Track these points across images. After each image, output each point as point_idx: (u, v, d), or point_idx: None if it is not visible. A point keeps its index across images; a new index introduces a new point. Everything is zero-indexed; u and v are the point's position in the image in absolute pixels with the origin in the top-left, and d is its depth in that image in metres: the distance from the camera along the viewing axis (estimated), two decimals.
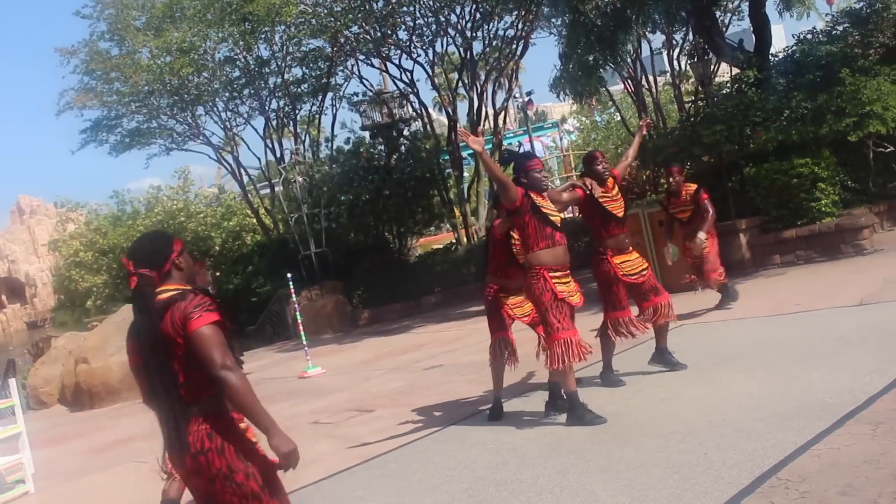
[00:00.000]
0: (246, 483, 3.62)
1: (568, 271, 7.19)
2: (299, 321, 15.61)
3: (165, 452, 3.78)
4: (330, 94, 26.41)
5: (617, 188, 8.18)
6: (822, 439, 5.34)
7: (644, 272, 8.15)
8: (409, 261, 24.94)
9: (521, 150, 7.73)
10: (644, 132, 9.04)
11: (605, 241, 8.04)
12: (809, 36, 17.41)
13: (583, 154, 8.78)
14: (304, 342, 14.95)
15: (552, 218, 7.12)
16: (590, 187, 7.98)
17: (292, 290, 15.86)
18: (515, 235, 7.51)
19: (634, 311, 8.25)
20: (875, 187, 15.44)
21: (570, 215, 22.86)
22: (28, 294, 70.47)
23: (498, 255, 7.86)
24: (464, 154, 25.24)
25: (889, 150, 14.79)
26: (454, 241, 25.41)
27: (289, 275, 15.99)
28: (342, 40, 22.71)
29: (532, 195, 7.09)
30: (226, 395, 3.55)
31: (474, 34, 23.07)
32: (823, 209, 14.23)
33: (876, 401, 5.94)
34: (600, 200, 7.97)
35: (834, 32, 17.45)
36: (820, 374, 6.98)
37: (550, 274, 7.02)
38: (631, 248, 8.30)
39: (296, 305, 16.24)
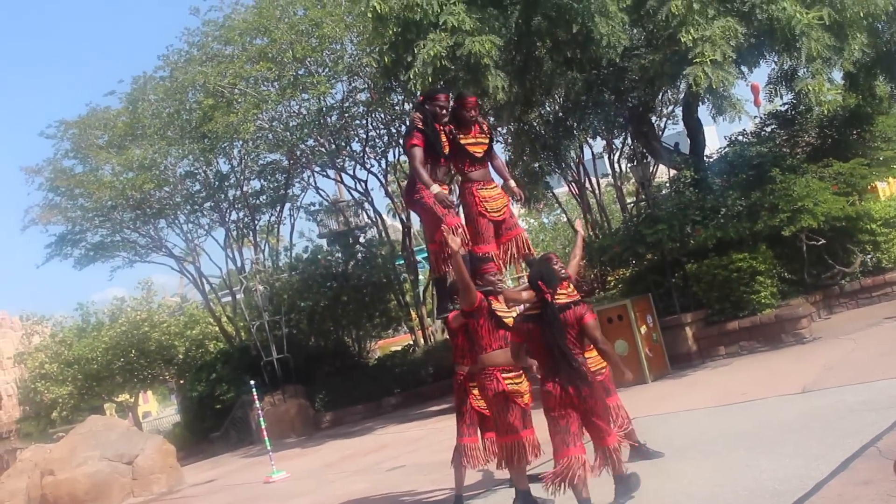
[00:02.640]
0: (606, 409, 6.99)
1: (521, 371, 7.47)
2: (263, 426, 15.68)
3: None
4: (288, 205, 27.04)
5: (572, 286, 8.61)
6: None
7: (602, 370, 8.28)
8: (369, 363, 25.17)
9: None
10: (581, 232, 9.29)
11: None
12: (740, 137, 18.24)
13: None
14: (269, 447, 15.02)
15: (506, 320, 7.47)
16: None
17: (255, 396, 15.96)
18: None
19: None
20: (810, 278, 15.97)
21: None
22: None
23: (462, 344, 8.13)
24: (418, 258, 25.80)
25: (821, 242, 15.39)
26: (412, 342, 25.67)
27: (252, 381, 16.14)
28: (298, 153, 23.32)
29: (490, 298, 7.49)
30: (602, 355, 7.16)
31: None
32: (763, 301, 14.71)
33: (823, 486, 6.08)
34: None
35: (763, 133, 18.26)
36: (768, 461, 7.09)
37: (503, 375, 7.32)
38: (590, 346, 8.67)
39: (259, 411, 16.31)
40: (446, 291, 8.38)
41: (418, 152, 8.04)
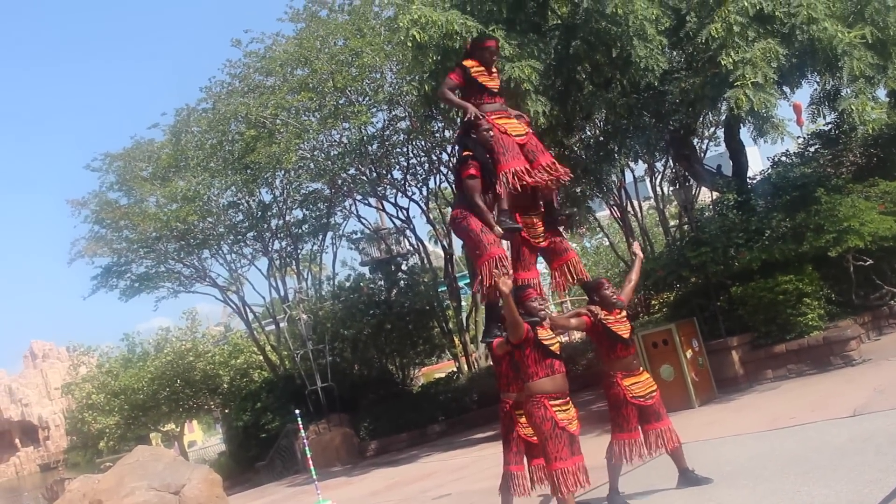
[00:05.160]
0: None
1: (567, 398, 7.53)
2: (308, 455, 15.65)
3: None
4: (330, 234, 27.30)
5: (623, 312, 8.47)
6: None
7: (653, 394, 8.32)
8: (413, 391, 25.16)
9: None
10: (640, 255, 9.30)
11: (614, 364, 8.25)
12: (784, 158, 18.16)
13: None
14: (314, 476, 14.96)
15: (552, 348, 7.54)
16: (595, 313, 8.24)
17: (300, 425, 16.00)
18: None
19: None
20: (857, 299, 15.74)
21: (566, 339, 23.26)
22: (41, 436, 70.53)
23: (506, 371, 8.18)
24: (461, 284, 25.80)
25: (868, 263, 15.17)
26: (455, 369, 25.67)
27: (296, 410, 16.19)
28: (340, 182, 23.54)
29: (535, 328, 7.52)
30: None
31: None
32: (810, 323, 14.49)
33: None
34: (606, 323, 8.21)
35: (806, 154, 18.15)
36: (819, 487, 6.99)
37: (551, 402, 7.37)
38: (641, 369, 8.51)
39: (304, 440, 16.36)
40: (495, 316, 8.43)
41: (476, 184, 8.21)
